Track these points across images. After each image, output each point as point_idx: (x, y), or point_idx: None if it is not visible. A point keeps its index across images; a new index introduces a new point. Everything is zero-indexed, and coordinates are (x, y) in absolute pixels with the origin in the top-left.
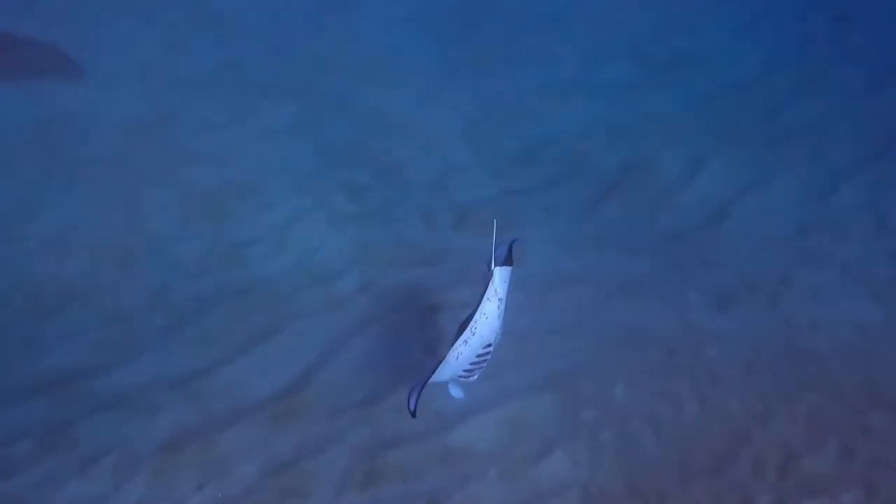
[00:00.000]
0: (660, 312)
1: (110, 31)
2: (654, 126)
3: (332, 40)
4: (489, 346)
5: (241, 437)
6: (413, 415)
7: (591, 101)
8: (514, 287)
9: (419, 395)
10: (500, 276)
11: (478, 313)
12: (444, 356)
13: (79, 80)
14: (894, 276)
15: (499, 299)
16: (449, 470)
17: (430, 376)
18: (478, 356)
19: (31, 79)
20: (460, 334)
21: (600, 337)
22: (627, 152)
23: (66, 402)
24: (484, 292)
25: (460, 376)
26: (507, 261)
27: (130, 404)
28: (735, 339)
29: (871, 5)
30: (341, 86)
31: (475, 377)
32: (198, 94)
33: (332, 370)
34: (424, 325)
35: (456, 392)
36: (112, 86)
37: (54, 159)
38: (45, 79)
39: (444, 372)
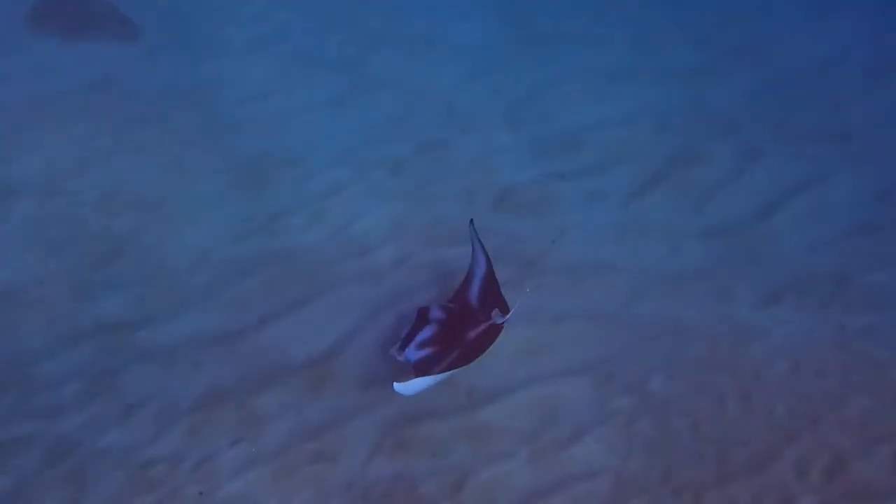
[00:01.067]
0: (703, 306)
1: None
2: (708, 116)
3: (383, 15)
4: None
5: (275, 400)
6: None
7: (642, 88)
8: (554, 271)
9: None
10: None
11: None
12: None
13: (134, 43)
14: None
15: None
16: (478, 447)
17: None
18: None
19: (89, 39)
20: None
21: (639, 326)
22: (677, 142)
23: (112, 350)
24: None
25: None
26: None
27: (171, 359)
28: (782, 337)
29: None
30: (389, 61)
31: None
32: (246, 63)
33: (365, 342)
34: None
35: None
36: (164, 50)
37: (107, 118)
38: (101, 39)
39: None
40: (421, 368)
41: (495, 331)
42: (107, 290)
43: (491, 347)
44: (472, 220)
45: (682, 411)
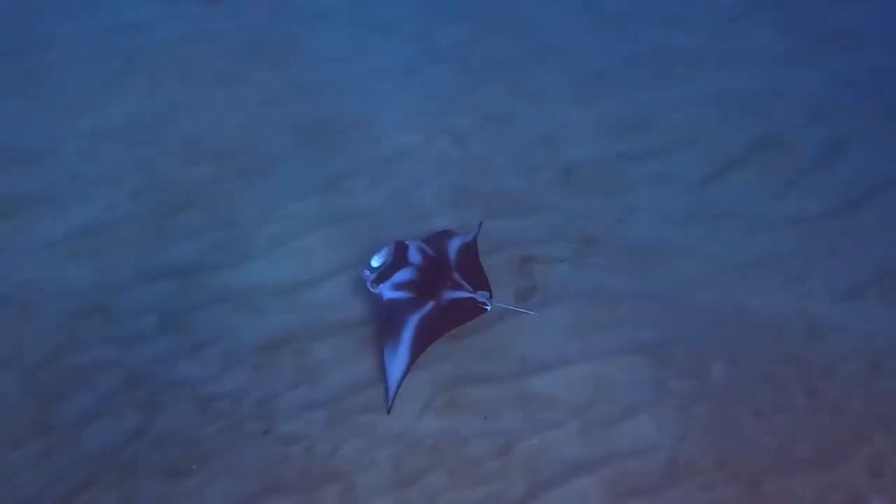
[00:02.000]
0: (774, 296)
1: None
2: (793, 102)
3: None
4: None
5: (332, 350)
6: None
7: (723, 71)
8: (616, 250)
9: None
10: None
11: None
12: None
13: (219, 3)
14: None
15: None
16: (528, 414)
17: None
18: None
19: None
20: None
21: (703, 312)
22: (758, 128)
23: (185, 290)
24: None
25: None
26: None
27: (238, 303)
28: (859, 334)
29: None
30: (458, 33)
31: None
32: (322, 27)
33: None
34: (515, 275)
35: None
36: (246, 10)
37: (191, 73)
38: None
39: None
40: (392, 310)
41: (476, 309)
42: (181, 234)
43: (545, 318)
44: (480, 223)
45: (742, 400)
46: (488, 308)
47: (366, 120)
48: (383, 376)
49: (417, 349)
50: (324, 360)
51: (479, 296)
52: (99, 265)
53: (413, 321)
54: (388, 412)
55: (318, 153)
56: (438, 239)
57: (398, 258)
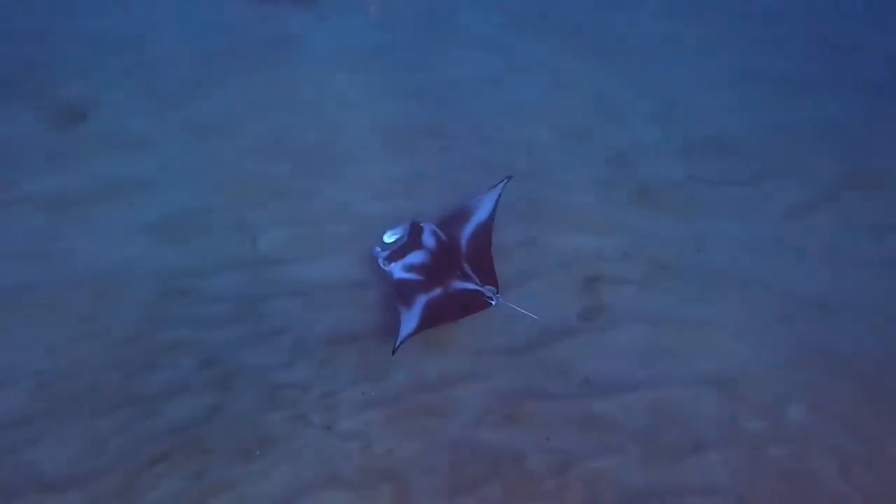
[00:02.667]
0: (863, 340)
1: None
2: (894, 136)
3: (542, 1)
4: None
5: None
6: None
7: (817, 98)
8: (689, 276)
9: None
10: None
11: None
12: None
13: (310, 9)
14: None
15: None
16: (589, 436)
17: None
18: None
19: (272, 2)
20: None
21: (782, 349)
22: (854, 162)
23: (260, 281)
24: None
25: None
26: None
27: (308, 297)
28: None
29: None
30: (541, 47)
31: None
32: (408, 35)
33: (483, 315)
34: (580, 291)
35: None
36: (337, 17)
37: (281, 73)
38: (282, 3)
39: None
40: (400, 290)
41: (482, 303)
42: (260, 226)
43: (610, 340)
44: (509, 178)
45: (826, 449)
46: (493, 303)
47: (442, 127)
48: (396, 329)
49: (425, 323)
50: (385, 361)
51: (487, 290)
52: (185, 251)
53: (422, 301)
54: (393, 353)
55: (395, 156)
56: (453, 221)
57: (412, 239)
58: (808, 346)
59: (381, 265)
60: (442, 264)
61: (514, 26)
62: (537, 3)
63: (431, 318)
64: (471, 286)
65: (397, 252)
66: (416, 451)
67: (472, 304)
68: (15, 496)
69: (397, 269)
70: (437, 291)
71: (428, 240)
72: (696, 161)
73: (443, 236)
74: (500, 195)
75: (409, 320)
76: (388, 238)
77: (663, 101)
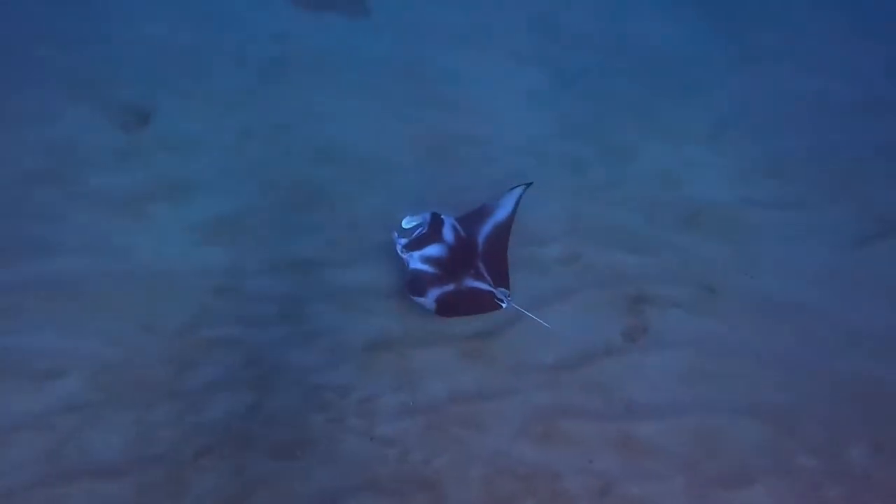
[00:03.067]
0: None
1: None
2: None
3: (588, 15)
4: None
5: (433, 359)
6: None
7: (883, 123)
8: (738, 302)
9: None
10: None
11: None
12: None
13: (364, 19)
14: None
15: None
16: (629, 460)
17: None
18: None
19: (326, 11)
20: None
21: (839, 383)
22: None
23: (304, 282)
24: None
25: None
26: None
27: (348, 301)
28: None
29: None
30: (590, 61)
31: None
32: (458, 49)
33: (524, 329)
34: (625, 312)
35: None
36: (388, 28)
37: (331, 81)
38: (336, 12)
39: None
40: (413, 280)
41: (492, 304)
42: (305, 229)
43: (654, 363)
44: (529, 184)
45: (891, 493)
46: (504, 306)
47: (487, 139)
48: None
49: (441, 309)
50: (424, 369)
51: (499, 292)
52: (233, 250)
53: (433, 294)
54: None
55: (439, 167)
56: (471, 219)
57: (433, 231)
58: (869, 382)
59: (399, 252)
60: (458, 260)
61: (560, 41)
62: (582, 17)
63: (444, 309)
64: (483, 286)
65: (416, 242)
66: (452, 462)
67: (482, 303)
68: (73, 480)
69: (415, 259)
70: (450, 287)
71: (448, 234)
72: (749, 183)
73: (462, 232)
74: (520, 197)
75: (427, 300)
76: (407, 224)
77: (714, 119)
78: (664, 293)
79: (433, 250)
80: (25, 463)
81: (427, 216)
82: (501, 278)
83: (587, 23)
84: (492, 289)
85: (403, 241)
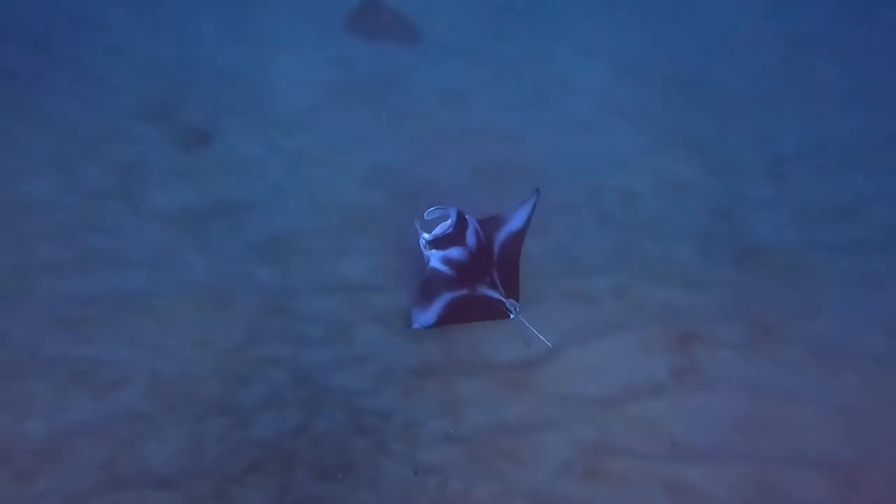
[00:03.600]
0: None
1: (446, 10)
2: None
3: (640, 46)
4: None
5: (478, 389)
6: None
7: None
8: (798, 346)
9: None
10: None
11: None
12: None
13: (416, 47)
14: None
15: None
16: (678, 503)
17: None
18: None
19: (381, 39)
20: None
21: None
22: None
23: (351, 305)
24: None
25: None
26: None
27: (395, 326)
28: None
29: None
30: (644, 92)
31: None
32: (508, 78)
33: (569, 361)
34: (673, 350)
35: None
36: (439, 56)
37: (384, 107)
38: (390, 40)
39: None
40: (430, 278)
41: (501, 313)
42: (356, 252)
43: (704, 403)
44: (538, 190)
45: None
46: (512, 316)
47: (537, 167)
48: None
49: (442, 321)
50: (468, 397)
51: (509, 304)
52: (285, 270)
53: (446, 297)
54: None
55: (488, 194)
56: (487, 225)
57: (457, 233)
58: None
59: (422, 248)
60: (475, 266)
61: (613, 72)
62: (638, 49)
63: (449, 317)
64: (495, 295)
65: (441, 241)
66: (493, 495)
67: (491, 312)
68: (129, 488)
69: (435, 259)
70: (464, 292)
71: (470, 238)
72: (811, 224)
73: (482, 238)
74: (534, 206)
75: (429, 313)
76: (428, 216)
77: (778, 154)
78: (716, 333)
79: (455, 253)
80: (83, 470)
81: (453, 213)
82: (512, 288)
83: (630, 48)
84: (503, 299)
85: (427, 236)
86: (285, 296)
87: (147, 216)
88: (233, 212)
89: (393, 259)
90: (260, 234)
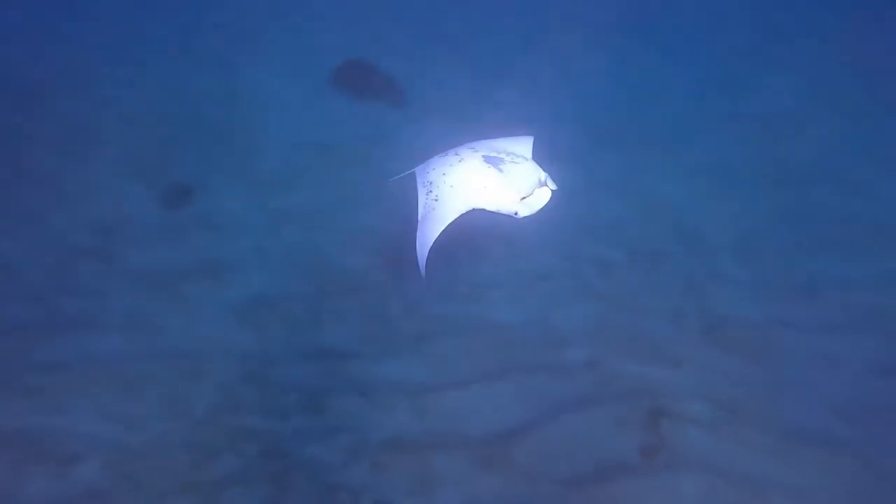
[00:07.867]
0: None
1: (434, 72)
2: None
3: (618, 114)
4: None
5: (449, 465)
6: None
7: None
8: (758, 427)
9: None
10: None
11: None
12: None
13: (401, 108)
14: None
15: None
16: None
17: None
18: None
19: (367, 100)
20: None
21: None
22: None
23: (328, 374)
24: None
25: None
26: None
27: (372, 396)
28: None
29: None
30: (617, 164)
31: None
32: (485, 138)
33: (543, 436)
34: (644, 428)
35: None
36: (423, 117)
37: (367, 169)
38: (378, 103)
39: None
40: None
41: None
42: (335, 318)
43: (670, 485)
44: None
45: None
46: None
47: (513, 236)
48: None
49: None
50: (440, 475)
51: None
52: (262, 335)
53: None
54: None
55: (467, 261)
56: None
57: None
58: None
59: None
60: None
61: (596, 139)
62: (625, 117)
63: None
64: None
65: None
66: None
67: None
68: None
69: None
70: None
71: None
72: (777, 303)
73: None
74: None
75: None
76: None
77: (748, 233)
78: (684, 410)
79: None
80: None
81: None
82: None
83: (607, 117)
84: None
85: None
86: (261, 363)
87: (123, 276)
88: (212, 272)
89: (375, 326)
90: (238, 297)
